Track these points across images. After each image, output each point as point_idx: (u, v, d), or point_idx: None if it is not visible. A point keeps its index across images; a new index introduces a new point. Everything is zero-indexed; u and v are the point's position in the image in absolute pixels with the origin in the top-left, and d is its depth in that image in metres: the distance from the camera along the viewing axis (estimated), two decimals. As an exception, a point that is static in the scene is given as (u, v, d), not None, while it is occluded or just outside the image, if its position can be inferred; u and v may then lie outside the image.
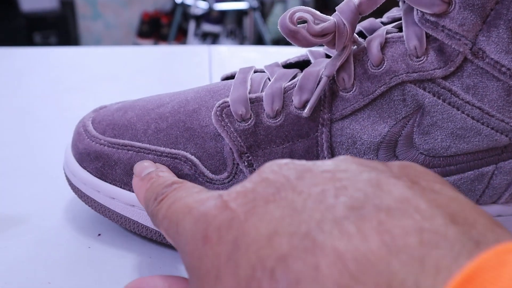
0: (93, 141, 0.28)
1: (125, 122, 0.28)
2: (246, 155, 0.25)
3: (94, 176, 0.28)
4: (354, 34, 0.26)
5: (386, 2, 0.26)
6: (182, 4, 2.16)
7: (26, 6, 2.54)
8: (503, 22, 0.22)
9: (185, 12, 2.32)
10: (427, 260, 0.12)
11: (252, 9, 2.14)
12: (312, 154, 0.25)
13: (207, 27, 2.42)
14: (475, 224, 0.13)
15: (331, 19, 0.25)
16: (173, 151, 0.26)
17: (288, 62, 0.30)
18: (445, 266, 0.12)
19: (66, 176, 0.29)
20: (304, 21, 0.25)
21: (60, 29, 2.63)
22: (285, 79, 0.27)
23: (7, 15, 2.44)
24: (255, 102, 0.26)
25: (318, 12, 0.25)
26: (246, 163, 0.26)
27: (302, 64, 0.30)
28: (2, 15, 2.42)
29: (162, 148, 0.26)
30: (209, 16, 2.39)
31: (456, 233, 0.13)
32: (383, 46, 0.25)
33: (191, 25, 2.08)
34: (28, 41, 2.54)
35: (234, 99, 0.26)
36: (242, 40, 2.47)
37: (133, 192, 0.26)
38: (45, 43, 2.61)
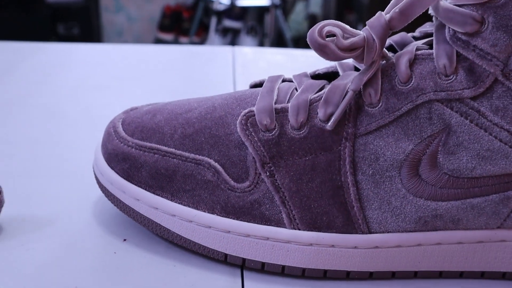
0: (121, 143, 0.28)
1: (153, 126, 0.28)
2: (268, 165, 0.26)
3: (121, 176, 0.28)
4: (384, 49, 0.26)
5: (419, 17, 0.26)
6: (204, -1, 2.16)
7: (50, -3, 2.57)
8: None
9: (206, 7, 2.32)
10: None
11: (274, 6, 2.13)
12: (334, 168, 0.25)
13: (228, 23, 2.42)
14: None
15: (361, 33, 0.25)
16: (197, 157, 0.27)
17: (316, 73, 0.30)
18: None
19: (95, 174, 0.30)
20: (333, 35, 0.25)
21: (83, 21, 2.66)
22: (311, 90, 0.27)
23: (32, 5, 2.47)
24: (280, 113, 0.26)
25: (347, 26, 0.25)
26: (268, 173, 0.25)
27: (330, 76, 0.29)
28: (27, 5, 2.46)
29: (187, 154, 0.27)
30: (231, 12, 2.39)
31: None
32: (412, 63, 0.25)
33: (213, 21, 2.09)
34: (51, 32, 2.57)
35: (260, 108, 0.26)
36: (262, 37, 2.47)
37: (157, 195, 0.27)
38: (68, 34, 2.64)
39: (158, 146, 0.27)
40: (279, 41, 2.31)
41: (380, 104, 0.25)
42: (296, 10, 2.58)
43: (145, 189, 0.27)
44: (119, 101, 0.46)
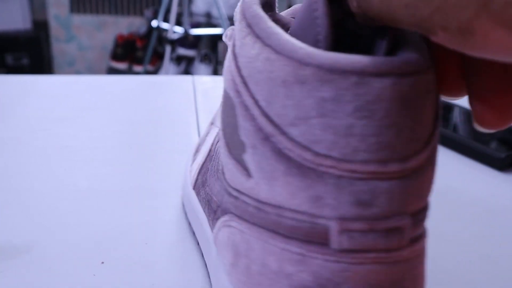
0: None
1: None
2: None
3: None
4: None
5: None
6: (158, 28, 2.18)
7: (-2, 27, 2.51)
8: None
9: (160, 35, 2.34)
10: None
11: (226, 34, 2.18)
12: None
13: (182, 51, 2.45)
14: None
15: None
16: None
17: None
18: None
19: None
20: None
21: (32, 51, 2.61)
22: None
23: (-22, 36, 2.41)
24: None
25: None
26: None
27: None
28: (-27, 36, 2.40)
29: None
30: (184, 40, 2.42)
31: None
32: None
33: (167, 49, 2.10)
34: (-1, 62, 2.51)
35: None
36: (216, 64, 2.51)
37: None
38: (18, 64, 2.59)
39: None
40: (233, 68, 2.35)
41: None
42: (248, 38, 2.64)
43: None
44: (83, 132, 0.47)
